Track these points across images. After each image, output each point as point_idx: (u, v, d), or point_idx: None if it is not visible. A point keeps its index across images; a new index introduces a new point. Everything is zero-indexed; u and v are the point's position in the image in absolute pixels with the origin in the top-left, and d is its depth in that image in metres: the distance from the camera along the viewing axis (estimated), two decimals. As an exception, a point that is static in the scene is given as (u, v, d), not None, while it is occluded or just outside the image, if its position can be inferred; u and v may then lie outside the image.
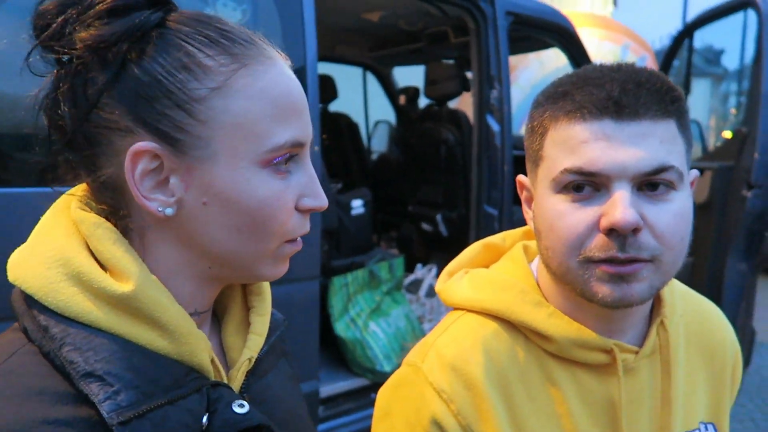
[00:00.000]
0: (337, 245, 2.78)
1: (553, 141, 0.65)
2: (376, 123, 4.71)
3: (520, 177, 0.74)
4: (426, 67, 3.17)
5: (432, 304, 2.84)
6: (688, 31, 2.97)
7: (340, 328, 2.52)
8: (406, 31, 3.32)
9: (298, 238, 0.56)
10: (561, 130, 0.64)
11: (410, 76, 4.14)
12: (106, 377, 0.47)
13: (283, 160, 0.52)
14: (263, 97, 0.51)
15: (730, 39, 3.00)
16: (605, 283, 0.62)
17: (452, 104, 3.30)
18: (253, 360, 0.60)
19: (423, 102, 3.68)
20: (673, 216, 0.62)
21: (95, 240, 0.51)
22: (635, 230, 0.60)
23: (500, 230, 2.74)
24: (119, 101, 0.50)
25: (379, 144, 4.62)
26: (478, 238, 2.97)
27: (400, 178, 3.47)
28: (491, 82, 2.62)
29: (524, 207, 0.74)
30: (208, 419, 0.51)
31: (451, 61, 3.27)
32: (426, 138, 3.09)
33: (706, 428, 0.75)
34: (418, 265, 3.04)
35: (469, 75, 2.97)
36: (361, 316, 2.58)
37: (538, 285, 0.74)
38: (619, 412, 0.69)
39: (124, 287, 0.49)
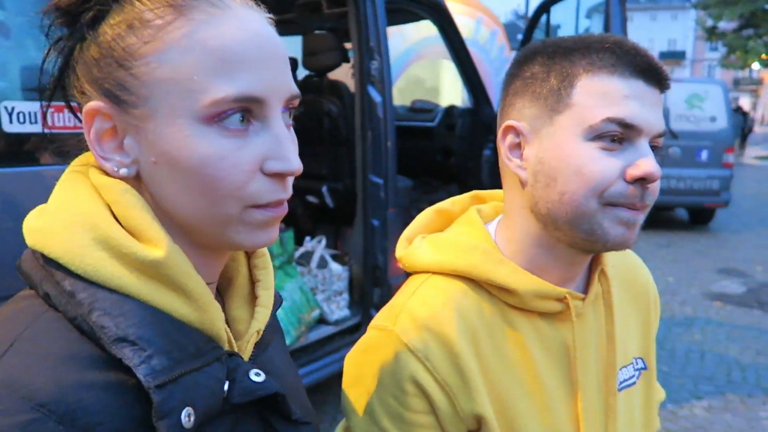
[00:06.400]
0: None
1: (586, 90, 0.69)
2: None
3: (511, 122, 0.75)
4: (303, 38, 3.14)
5: (324, 275, 2.87)
6: (545, 7, 3.22)
7: (235, 306, 2.47)
8: (276, 1, 3.24)
9: (279, 204, 0.53)
10: (598, 81, 0.69)
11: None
12: (139, 342, 0.47)
13: (233, 116, 0.49)
14: (201, 48, 0.48)
15: (566, 15, 3.33)
16: (620, 225, 0.69)
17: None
18: (261, 332, 0.60)
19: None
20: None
21: (123, 206, 0.50)
22: (653, 182, 0.69)
23: (386, 199, 2.85)
24: (82, 65, 0.51)
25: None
26: (364, 208, 3.01)
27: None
28: (371, 53, 2.67)
29: (507, 155, 0.76)
30: (229, 387, 0.52)
31: (324, 32, 3.26)
32: (308, 110, 3.07)
33: (637, 362, 0.86)
34: (307, 238, 3.05)
35: (348, 46, 2.99)
36: (255, 293, 2.55)
37: (496, 245, 0.79)
38: (573, 354, 0.76)
39: (154, 253, 0.49)
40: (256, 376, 0.54)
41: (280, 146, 0.51)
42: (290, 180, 0.54)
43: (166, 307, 0.50)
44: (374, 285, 2.82)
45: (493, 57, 8.51)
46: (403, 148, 3.27)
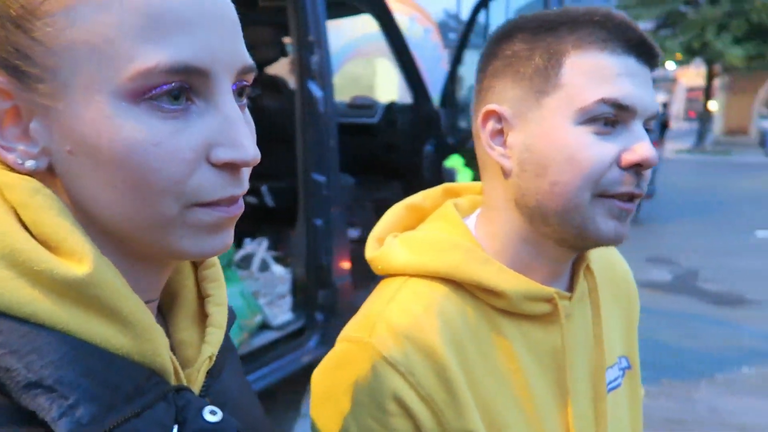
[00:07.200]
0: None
1: (576, 68, 0.64)
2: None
3: (493, 106, 0.69)
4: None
5: (266, 278, 2.77)
6: (484, 2, 3.23)
7: (173, 314, 2.33)
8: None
9: (232, 202, 0.44)
10: (588, 58, 0.64)
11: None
12: (58, 387, 0.37)
13: (167, 91, 0.40)
14: (124, 4, 0.39)
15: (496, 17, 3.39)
16: (611, 219, 0.65)
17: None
18: (214, 358, 0.51)
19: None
20: None
21: (33, 210, 0.40)
22: (649, 167, 0.64)
23: (329, 197, 2.77)
24: None
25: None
26: (306, 207, 2.92)
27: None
28: (311, 47, 2.59)
29: (488, 143, 0.70)
30: (178, 430, 0.42)
31: (261, 26, 3.15)
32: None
33: (621, 361, 0.82)
34: (247, 240, 2.92)
35: (286, 40, 2.89)
36: (194, 299, 2.42)
37: (478, 242, 0.73)
38: (564, 358, 0.71)
39: (77, 269, 0.39)
40: (212, 414, 0.45)
41: (231, 129, 0.42)
42: (246, 172, 0.45)
43: (94, 338, 0.40)
44: (319, 287, 2.74)
45: (428, 54, 8.57)
46: (344, 145, 3.20)
